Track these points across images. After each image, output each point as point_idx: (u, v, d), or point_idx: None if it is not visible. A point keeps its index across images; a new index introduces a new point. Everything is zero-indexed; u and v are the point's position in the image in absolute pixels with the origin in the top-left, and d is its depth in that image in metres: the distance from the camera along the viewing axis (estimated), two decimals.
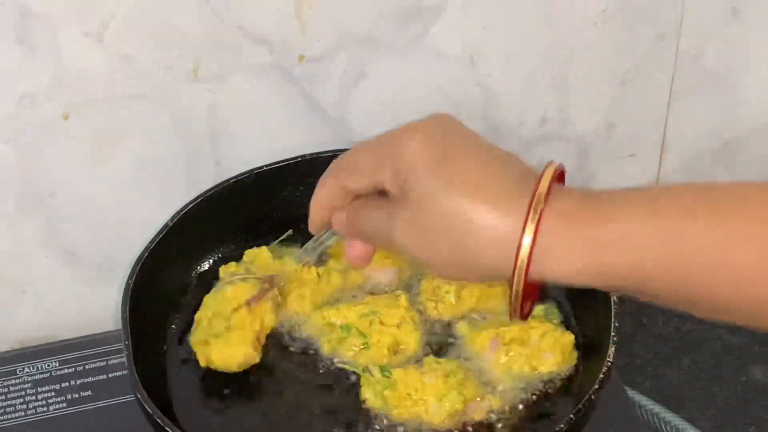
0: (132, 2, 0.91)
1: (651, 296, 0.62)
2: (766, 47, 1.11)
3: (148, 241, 0.92)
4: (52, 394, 0.94)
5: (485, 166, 0.66)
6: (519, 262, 0.63)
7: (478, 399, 0.87)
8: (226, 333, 0.88)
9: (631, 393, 1.01)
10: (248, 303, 0.89)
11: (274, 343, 0.92)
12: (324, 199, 0.75)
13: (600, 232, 0.62)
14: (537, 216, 0.63)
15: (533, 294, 0.66)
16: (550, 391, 0.88)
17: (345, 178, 0.72)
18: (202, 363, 0.89)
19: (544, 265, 0.63)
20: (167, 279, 0.95)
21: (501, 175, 0.66)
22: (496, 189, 0.65)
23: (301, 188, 1.01)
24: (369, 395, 0.87)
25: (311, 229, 0.79)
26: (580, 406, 0.80)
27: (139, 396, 0.82)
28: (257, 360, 0.89)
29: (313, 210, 0.77)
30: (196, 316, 0.90)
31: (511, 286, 0.64)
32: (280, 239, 1.01)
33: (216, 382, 0.89)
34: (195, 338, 0.89)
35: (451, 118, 0.69)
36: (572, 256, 0.62)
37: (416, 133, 0.68)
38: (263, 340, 0.91)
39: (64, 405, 0.93)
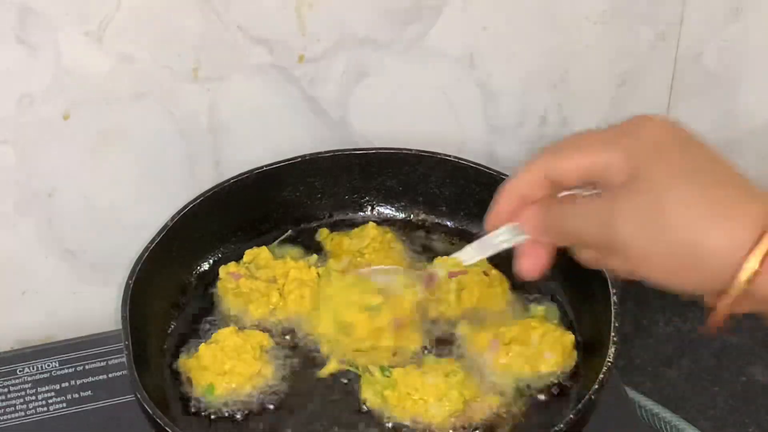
0: (132, 2, 0.91)
1: None
2: (766, 47, 1.11)
3: (148, 241, 0.92)
4: (52, 394, 0.94)
5: (727, 167, 0.64)
6: (738, 281, 0.60)
7: (478, 399, 0.87)
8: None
9: (631, 393, 1.01)
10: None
11: (274, 342, 0.92)
12: (520, 187, 0.70)
13: None
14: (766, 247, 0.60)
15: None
16: (550, 391, 0.88)
17: (557, 158, 0.67)
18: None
19: (761, 288, 0.60)
20: (167, 279, 0.95)
21: (741, 182, 0.64)
22: (739, 192, 0.62)
23: (301, 188, 1.02)
24: (369, 395, 0.87)
25: (489, 222, 0.73)
26: (580, 406, 0.80)
27: (139, 396, 0.81)
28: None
29: (502, 199, 0.71)
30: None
31: (721, 301, 0.61)
32: (280, 239, 1.01)
33: None
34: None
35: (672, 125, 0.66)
36: None
37: (652, 119, 0.64)
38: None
39: (64, 405, 0.93)
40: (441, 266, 0.89)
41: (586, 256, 0.70)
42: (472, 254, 0.84)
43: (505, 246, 0.75)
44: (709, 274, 0.61)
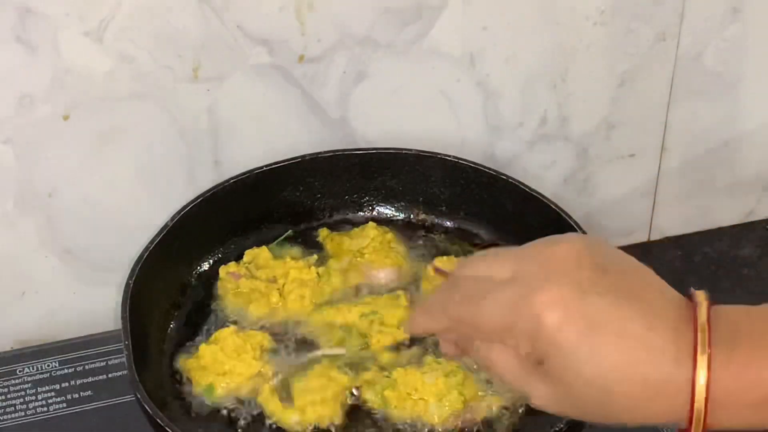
0: (132, 2, 0.91)
1: None
2: (766, 47, 1.11)
3: (148, 241, 0.92)
4: (52, 394, 0.94)
5: (636, 321, 0.61)
6: (696, 415, 0.59)
7: (478, 399, 0.87)
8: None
9: None
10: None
11: (274, 342, 0.92)
12: (427, 329, 0.72)
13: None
14: (705, 369, 0.59)
15: None
16: None
17: (462, 329, 0.67)
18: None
19: (718, 415, 0.59)
20: (167, 279, 0.95)
21: (655, 324, 0.61)
22: (657, 346, 0.60)
23: (301, 188, 1.02)
24: (369, 395, 0.87)
25: (405, 331, 0.77)
26: None
27: (139, 396, 0.81)
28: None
29: (413, 328, 0.74)
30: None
31: None
32: (280, 239, 1.01)
33: None
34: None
35: (582, 251, 0.64)
36: (745, 399, 0.59)
37: (553, 308, 0.61)
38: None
39: (64, 405, 0.93)
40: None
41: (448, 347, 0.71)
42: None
43: None
44: (656, 418, 0.61)
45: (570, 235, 0.66)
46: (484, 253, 0.70)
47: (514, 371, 0.65)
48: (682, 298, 0.63)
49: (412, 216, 1.04)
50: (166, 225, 0.94)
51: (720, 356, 0.59)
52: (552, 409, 0.65)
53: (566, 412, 0.65)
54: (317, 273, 0.95)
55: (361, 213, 1.04)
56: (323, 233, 1.02)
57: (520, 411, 0.87)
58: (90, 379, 0.95)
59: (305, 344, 0.92)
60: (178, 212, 0.95)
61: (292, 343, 0.92)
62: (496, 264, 0.66)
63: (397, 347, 0.91)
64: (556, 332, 0.61)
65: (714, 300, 0.62)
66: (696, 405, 0.59)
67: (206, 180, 1.00)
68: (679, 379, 0.59)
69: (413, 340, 0.91)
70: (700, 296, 0.62)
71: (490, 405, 0.87)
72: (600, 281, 0.62)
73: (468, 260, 0.70)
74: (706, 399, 0.59)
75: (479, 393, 0.87)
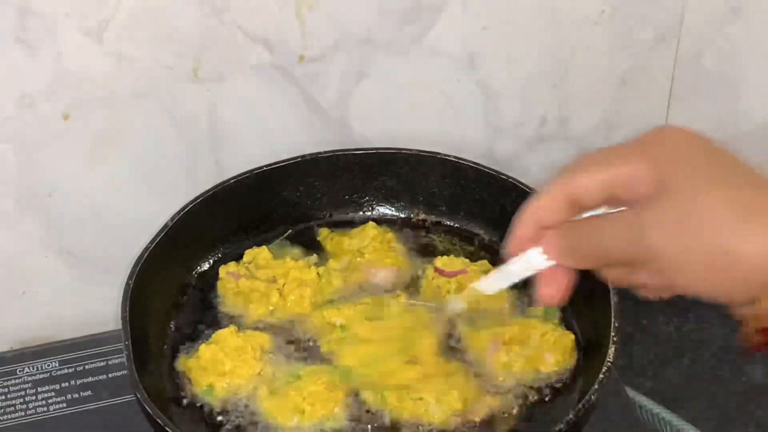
0: (132, 2, 0.91)
1: None
2: (766, 47, 1.11)
3: (148, 241, 0.92)
4: (52, 394, 0.94)
5: (753, 172, 0.62)
6: None
7: (478, 399, 0.87)
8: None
9: (631, 393, 1.01)
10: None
11: (274, 342, 0.92)
12: (539, 210, 0.66)
13: None
14: None
15: None
16: (550, 391, 0.88)
17: (577, 176, 0.64)
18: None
19: None
20: (167, 279, 0.95)
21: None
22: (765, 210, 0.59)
23: (301, 188, 1.02)
24: (369, 395, 0.87)
25: (509, 249, 0.69)
26: (580, 406, 0.80)
27: (139, 396, 0.81)
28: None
29: (520, 224, 0.67)
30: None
31: None
32: (280, 239, 1.01)
33: None
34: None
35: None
36: None
37: (672, 129, 0.62)
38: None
39: (64, 405, 0.93)
40: (461, 299, 0.88)
41: (613, 275, 0.68)
42: (492, 284, 0.77)
43: (527, 274, 0.70)
44: (743, 279, 0.59)
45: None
46: None
47: (624, 223, 0.62)
48: None
49: (412, 216, 1.04)
50: (166, 225, 0.94)
51: None
52: (670, 251, 0.60)
53: (674, 247, 0.60)
54: (317, 273, 0.95)
55: (361, 213, 1.04)
56: (323, 233, 1.02)
57: (520, 412, 0.87)
58: (90, 379, 0.95)
59: (305, 344, 0.92)
60: (178, 212, 0.95)
61: (293, 344, 0.92)
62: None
63: None
64: (685, 142, 0.62)
65: None
66: None
67: (206, 180, 1.00)
68: None
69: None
70: None
71: (490, 405, 0.87)
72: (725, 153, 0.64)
73: None
74: None
75: (479, 393, 0.87)
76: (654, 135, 0.63)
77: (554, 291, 0.68)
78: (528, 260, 0.69)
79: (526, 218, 0.67)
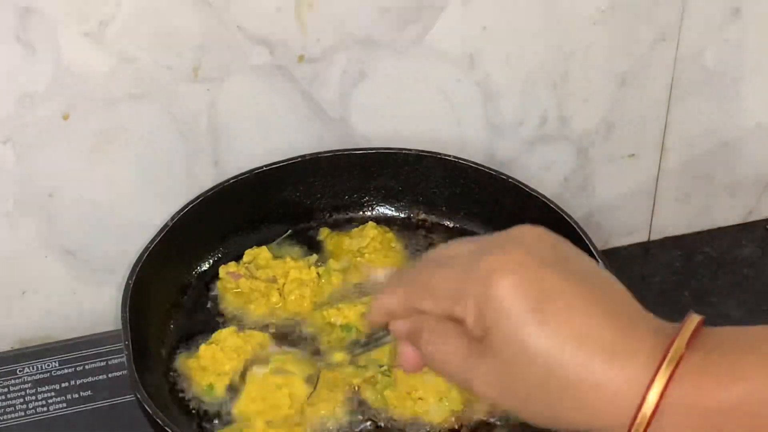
0: (132, 2, 0.91)
1: None
2: (766, 47, 1.11)
3: (148, 241, 0.92)
4: (52, 394, 0.94)
5: (592, 308, 0.58)
6: (637, 424, 0.55)
7: (478, 399, 0.87)
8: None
9: None
10: None
11: (275, 342, 0.92)
12: (387, 308, 0.67)
13: (722, 399, 0.55)
14: (666, 378, 0.55)
15: None
16: None
17: (417, 299, 0.64)
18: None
19: (663, 424, 0.55)
20: (167, 279, 0.95)
21: (612, 320, 0.57)
22: (608, 338, 0.57)
23: (301, 188, 1.02)
24: (369, 395, 0.87)
25: (366, 326, 0.73)
26: None
27: (139, 396, 0.81)
28: None
29: (373, 313, 0.68)
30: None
31: None
32: (280, 239, 1.01)
33: None
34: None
35: (545, 235, 0.61)
36: (688, 424, 0.56)
37: (506, 270, 0.58)
38: None
39: (64, 405, 0.93)
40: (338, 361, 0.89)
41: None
42: (350, 350, 0.85)
43: (385, 342, 0.75)
44: (599, 424, 0.57)
45: (535, 226, 0.63)
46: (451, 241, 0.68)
47: (459, 354, 0.62)
48: (649, 313, 0.60)
49: (412, 216, 1.04)
50: (166, 225, 0.94)
51: (692, 363, 0.55)
52: (491, 394, 0.60)
53: (505, 399, 0.60)
54: (317, 273, 0.95)
55: (361, 213, 1.04)
56: (323, 233, 1.02)
57: None
58: (90, 379, 0.95)
59: (305, 344, 0.92)
60: (178, 212, 0.95)
61: (293, 344, 0.92)
62: (461, 244, 0.65)
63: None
64: (505, 296, 0.58)
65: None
66: (643, 410, 0.55)
67: (206, 180, 1.00)
68: (629, 378, 0.56)
69: None
70: (693, 317, 0.58)
71: (490, 405, 0.87)
72: (559, 260, 0.60)
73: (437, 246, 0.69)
74: (656, 405, 0.55)
75: None
76: (483, 274, 0.59)
77: (411, 364, 0.68)
78: (383, 335, 0.73)
79: (375, 310, 0.68)
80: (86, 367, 0.96)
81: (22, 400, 0.93)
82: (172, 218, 0.94)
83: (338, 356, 0.89)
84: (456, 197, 1.02)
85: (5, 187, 0.97)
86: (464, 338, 0.61)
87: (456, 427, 0.85)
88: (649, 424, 0.55)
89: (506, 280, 0.58)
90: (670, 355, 0.56)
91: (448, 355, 0.63)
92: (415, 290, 0.64)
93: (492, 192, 1.00)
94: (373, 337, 0.73)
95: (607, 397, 0.57)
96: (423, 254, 0.69)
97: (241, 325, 0.93)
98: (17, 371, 0.96)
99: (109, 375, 0.95)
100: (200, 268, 0.99)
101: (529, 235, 0.62)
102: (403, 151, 1.01)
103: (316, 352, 0.90)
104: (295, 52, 0.98)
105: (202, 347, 0.89)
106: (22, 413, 0.92)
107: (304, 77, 1.00)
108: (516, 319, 0.58)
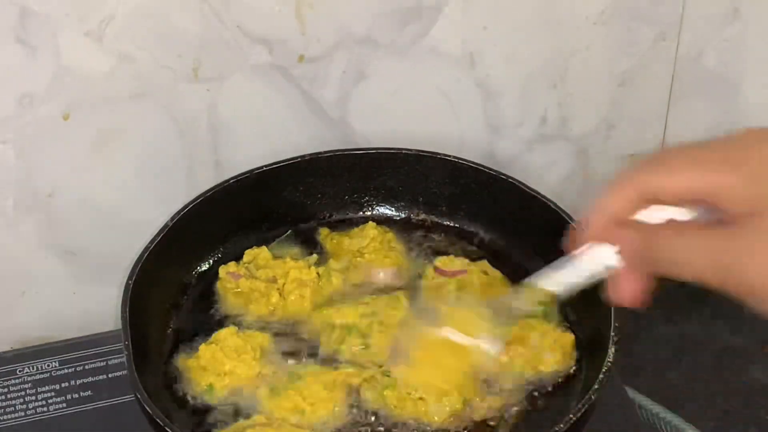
0: (132, 2, 0.91)
1: None
2: (766, 47, 1.11)
3: (148, 241, 0.92)
4: (52, 394, 0.94)
5: None
6: None
7: (478, 399, 0.87)
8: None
9: (631, 393, 1.01)
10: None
11: (275, 342, 0.92)
12: (613, 204, 0.60)
13: None
14: None
15: None
16: (550, 391, 0.88)
17: (662, 174, 0.58)
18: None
19: None
20: (167, 279, 0.95)
21: None
22: None
23: (301, 188, 1.02)
24: (369, 395, 0.87)
25: (579, 242, 0.63)
26: (579, 406, 0.80)
27: (139, 396, 0.81)
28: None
29: (592, 218, 0.61)
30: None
31: None
32: (280, 239, 1.01)
33: None
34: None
35: None
36: None
37: (765, 132, 0.55)
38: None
39: (64, 405, 0.93)
40: (527, 300, 0.76)
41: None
42: (561, 283, 0.69)
43: (600, 273, 0.64)
44: None
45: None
46: None
47: (715, 244, 0.55)
48: None
49: (412, 216, 1.04)
50: (166, 225, 0.94)
51: None
52: (764, 295, 0.54)
53: None
54: (317, 273, 0.95)
55: (361, 213, 1.04)
56: (323, 233, 1.02)
57: (521, 411, 0.87)
58: (90, 379, 0.95)
59: (305, 344, 0.92)
60: (178, 212, 0.95)
61: (293, 344, 0.92)
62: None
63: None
64: None
65: None
66: None
67: (206, 180, 1.01)
68: None
69: None
70: None
71: (490, 405, 0.87)
72: None
73: None
74: None
75: (479, 393, 0.87)
76: (753, 140, 0.57)
77: (631, 292, 0.61)
78: (600, 258, 0.63)
79: (598, 211, 0.61)
80: (86, 367, 0.96)
81: (22, 400, 0.93)
82: (172, 218, 0.94)
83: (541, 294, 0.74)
84: (456, 197, 1.02)
85: (5, 187, 0.97)
86: (717, 227, 0.55)
87: (456, 427, 0.85)
88: None
89: None
90: None
91: (702, 247, 0.56)
92: (659, 164, 0.58)
93: (492, 192, 1.00)
94: (572, 263, 0.63)
95: None
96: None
97: (241, 325, 0.93)
98: (17, 371, 0.96)
99: (109, 375, 0.95)
100: (200, 268, 0.99)
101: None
102: (403, 151, 1.01)
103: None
104: (295, 51, 0.98)
105: (202, 347, 0.89)
106: (22, 413, 0.92)
107: (304, 77, 1.00)
108: None
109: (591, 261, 0.64)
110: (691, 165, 0.58)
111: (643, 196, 0.59)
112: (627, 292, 0.61)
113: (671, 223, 0.59)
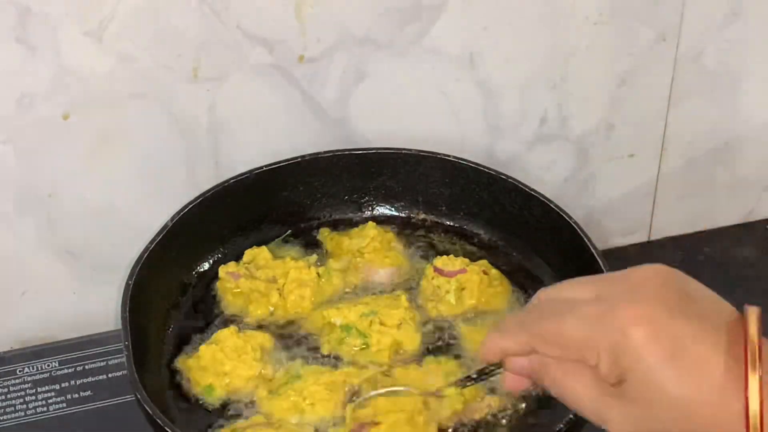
0: (132, 2, 0.91)
1: None
2: (766, 47, 1.11)
3: (148, 241, 0.92)
4: (52, 394, 0.94)
5: (722, 353, 0.60)
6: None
7: (478, 399, 0.87)
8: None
9: None
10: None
11: (275, 342, 0.92)
12: (503, 348, 0.68)
13: None
14: (757, 392, 0.58)
15: None
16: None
17: (542, 346, 0.65)
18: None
19: None
20: (167, 279, 0.95)
21: (735, 357, 0.60)
22: (722, 367, 0.59)
23: (301, 188, 1.02)
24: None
25: (481, 357, 0.71)
26: None
27: (139, 396, 0.81)
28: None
29: (487, 351, 0.69)
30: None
31: None
32: (280, 239, 1.01)
33: None
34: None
35: (668, 278, 0.63)
36: None
37: (639, 324, 0.60)
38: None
39: (64, 405, 0.93)
40: (448, 394, 0.84)
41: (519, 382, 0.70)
42: (460, 383, 0.81)
43: (495, 377, 0.73)
44: None
45: (652, 264, 0.64)
46: (563, 282, 0.68)
47: (591, 395, 0.63)
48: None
49: (412, 216, 1.04)
50: (166, 225, 0.94)
51: None
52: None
53: None
54: (317, 273, 0.95)
55: (361, 213, 1.04)
56: (323, 233, 1.02)
57: (521, 411, 0.87)
58: (90, 379, 0.95)
59: (305, 344, 0.92)
60: (178, 212, 0.95)
61: (293, 344, 0.92)
62: (578, 286, 0.66)
63: (396, 350, 0.91)
64: (642, 347, 0.60)
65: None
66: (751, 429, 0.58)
67: (206, 180, 1.00)
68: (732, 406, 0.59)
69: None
70: (752, 314, 0.60)
71: (490, 405, 0.87)
72: (686, 306, 0.61)
73: (549, 287, 0.69)
74: (761, 423, 0.58)
75: (479, 393, 0.87)
76: (614, 320, 0.61)
77: (515, 387, 0.69)
78: (495, 369, 0.71)
79: (488, 347, 0.69)
80: (86, 367, 0.96)
81: (22, 400, 0.93)
82: (172, 219, 0.94)
83: (449, 391, 0.84)
84: (456, 197, 1.02)
85: (5, 187, 0.97)
86: (594, 377, 0.63)
87: (456, 427, 0.85)
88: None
89: (640, 333, 0.60)
90: (749, 366, 0.58)
91: (580, 394, 0.64)
92: (541, 338, 0.65)
93: (492, 192, 1.00)
94: (485, 370, 0.72)
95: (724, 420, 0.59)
96: (540, 292, 0.68)
97: (241, 325, 0.93)
98: (17, 371, 0.96)
99: (109, 375, 0.95)
100: (200, 268, 0.99)
101: (653, 281, 0.63)
102: (403, 151, 1.01)
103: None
104: (295, 51, 0.98)
105: (202, 347, 0.89)
106: (22, 413, 0.92)
107: (304, 77, 1.00)
108: (654, 368, 0.60)
109: (490, 369, 0.71)
110: (566, 344, 0.64)
111: (529, 347, 0.66)
112: (511, 387, 0.69)
113: (562, 366, 0.65)
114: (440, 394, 0.84)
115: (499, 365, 0.69)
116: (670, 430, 0.61)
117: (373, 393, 0.85)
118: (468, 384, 0.78)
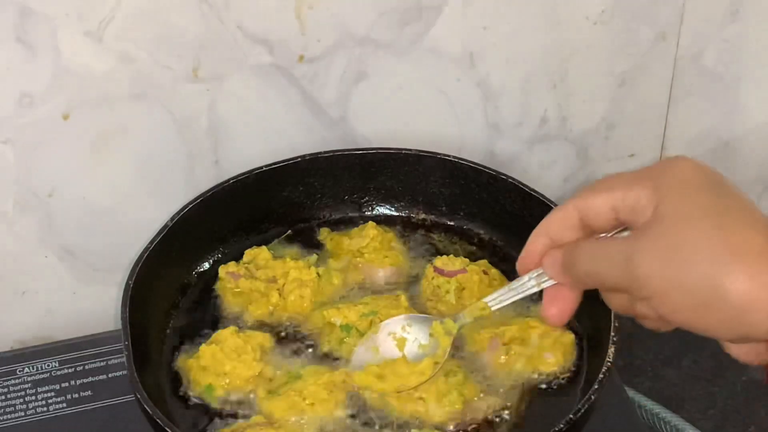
0: (132, 2, 0.91)
1: None
2: (766, 47, 1.11)
3: (148, 242, 0.92)
4: (52, 394, 0.94)
5: (754, 212, 0.61)
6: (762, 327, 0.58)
7: (478, 399, 0.87)
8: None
9: (631, 393, 1.01)
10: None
11: (274, 342, 0.92)
12: (550, 227, 0.68)
13: None
14: None
15: None
16: (549, 391, 0.88)
17: (587, 197, 0.65)
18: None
19: None
20: (167, 279, 0.95)
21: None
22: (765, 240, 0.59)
23: (301, 188, 1.02)
24: (369, 395, 0.87)
25: (520, 265, 0.71)
26: (579, 406, 0.80)
27: (139, 396, 0.82)
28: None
29: (531, 240, 0.69)
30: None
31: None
32: (280, 239, 1.01)
33: None
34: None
35: (699, 164, 0.65)
36: None
37: (683, 160, 0.63)
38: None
39: (64, 405, 0.93)
40: (468, 315, 0.84)
41: (616, 303, 0.68)
42: (498, 299, 0.80)
43: (533, 290, 0.73)
44: (730, 317, 0.59)
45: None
46: None
47: (617, 246, 0.62)
48: None
49: (412, 216, 1.04)
50: (166, 225, 0.94)
51: None
52: (655, 278, 0.60)
53: (668, 283, 0.60)
54: (317, 273, 0.95)
55: (361, 213, 1.04)
56: (323, 233, 1.02)
57: (521, 411, 0.87)
58: (90, 379, 0.95)
59: (305, 344, 0.92)
60: (178, 212, 0.95)
61: (292, 344, 0.92)
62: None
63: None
64: (687, 168, 0.62)
65: None
66: None
67: (206, 180, 1.01)
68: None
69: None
70: None
71: (490, 405, 0.87)
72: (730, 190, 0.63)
73: None
74: None
75: (479, 393, 0.87)
76: (665, 164, 0.64)
77: (557, 311, 0.69)
78: (534, 278, 0.72)
79: (536, 235, 0.69)
80: (86, 367, 0.96)
81: (22, 400, 0.93)
82: (172, 218, 0.94)
83: (479, 306, 0.82)
84: (456, 197, 1.02)
85: (5, 187, 0.97)
86: (624, 237, 0.63)
87: (456, 427, 0.85)
88: None
89: (686, 160, 0.62)
90: None
91: (607, 252, 0.63)
92: (588, 190, 0.65)
93: (492, 192, 1.00)
94: (518, 285, 0.72)
95: (740, 302, 0.58)
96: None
97: (241, 325, 0.93)
98: (17, 371, 0.96)
99: (109, 375, 0.95)
100: (200, 268, 0.99)
101: (685, 162, 0.64)
102: (403, 151, 1.01)
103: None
104: (295, 52, 0.98)
105: (202, 347, 0.89)
106: (22, 413, 0.92)
107: (304, 77, 1.00)
108: (694, 190, 0.60)
109: (524, 281, 0.73)
110: (612, 188, 0.64)
111: (579, 220, 0.66)
112: (554, 311, 0.69)
113: (589, 239, 0.66)
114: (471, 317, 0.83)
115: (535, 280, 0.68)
116: (695, 267, 0.59)
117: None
118: (503, 300, 0.78)
